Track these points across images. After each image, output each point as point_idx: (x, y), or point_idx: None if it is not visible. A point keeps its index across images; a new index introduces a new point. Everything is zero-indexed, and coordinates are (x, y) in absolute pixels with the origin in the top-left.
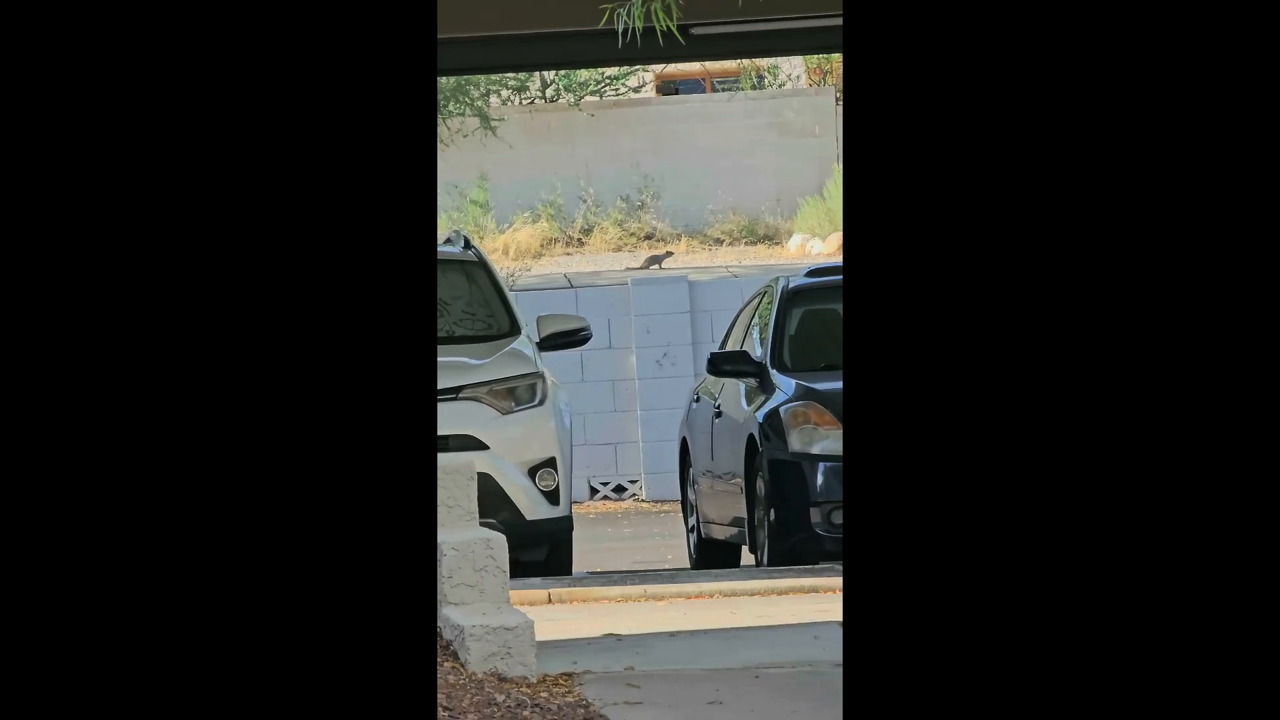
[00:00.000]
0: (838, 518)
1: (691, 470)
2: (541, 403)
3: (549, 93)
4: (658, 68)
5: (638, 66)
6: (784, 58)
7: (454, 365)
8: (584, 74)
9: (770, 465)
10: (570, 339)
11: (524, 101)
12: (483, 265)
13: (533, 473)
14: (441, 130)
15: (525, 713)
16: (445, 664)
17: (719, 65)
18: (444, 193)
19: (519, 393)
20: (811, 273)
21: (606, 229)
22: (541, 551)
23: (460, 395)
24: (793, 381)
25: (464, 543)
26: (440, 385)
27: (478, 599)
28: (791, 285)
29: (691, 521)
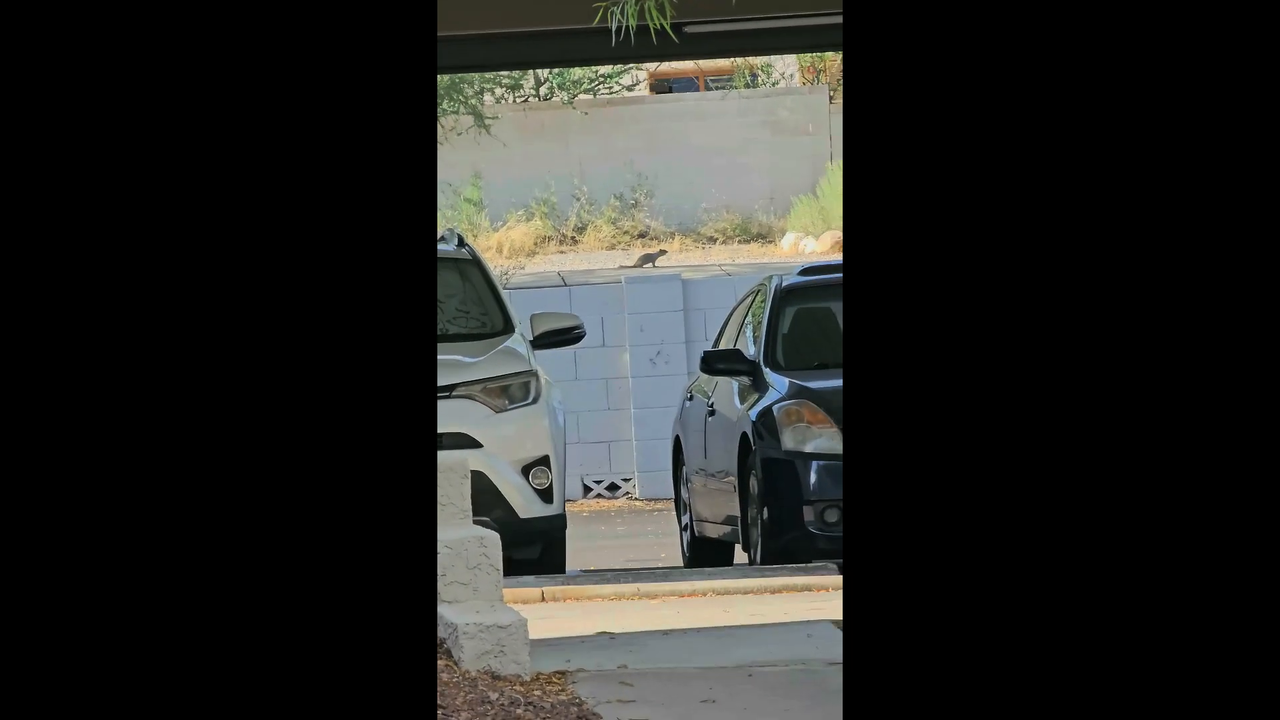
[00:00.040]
0: (831, 516)
1: (685, 468)
2: (535, 401)
3: (543, 91)
4: (651, 66)
5: (631, 65)
6: (777, 56)
7: (448, 363)
8: (578, 72)
9: (763, 464)
10: (564, 337)
11: (518, 100)
12: (476, 263)
13: (526, 471)
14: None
15: (519, 711)
16: (439, 662)
17: (712, 64)
18: (438, 191)
19: (512, 391)
20: (805, 271)
21: (600, 227)
22: (535, 550)
23: (454, 393)
24: (786, 380)
25: (458, 541)
26: None
27: (471, 597)
28: (785, 284)
29: (685, 520)
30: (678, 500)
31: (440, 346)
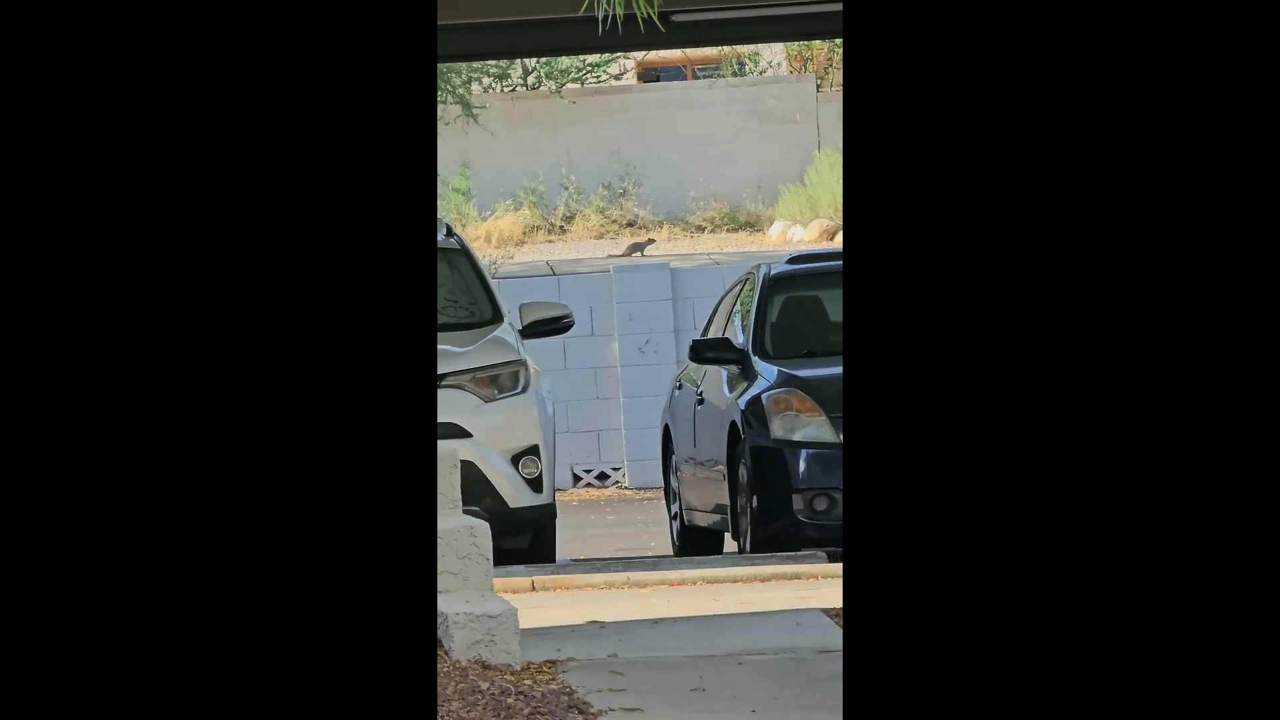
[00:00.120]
0: (820, 504)
1: (674, 457)
2: (524, 390)
3: (530, 80)
4: (639, 55)
5: (619, 54)
6: (765, 45)
7: (437, 353)
8: (565, 61)
9: (752, 452)
10: (552, 326)
11: (505, 89)
12: (465, 253)
13: (516, 460)
14: None
15: (509, 700)
16: None
17: (700, 52)
18: None
19: (502, 380)
20: (793, 260)
21: (588, 216)
22: (525, 539)
23: (443, 383)
24: (775, 368)
25: (448, 531)
26: None
27: (461, 587)
28: (773, 272)
29: (674, 509)
30: (667, 489)
31: None
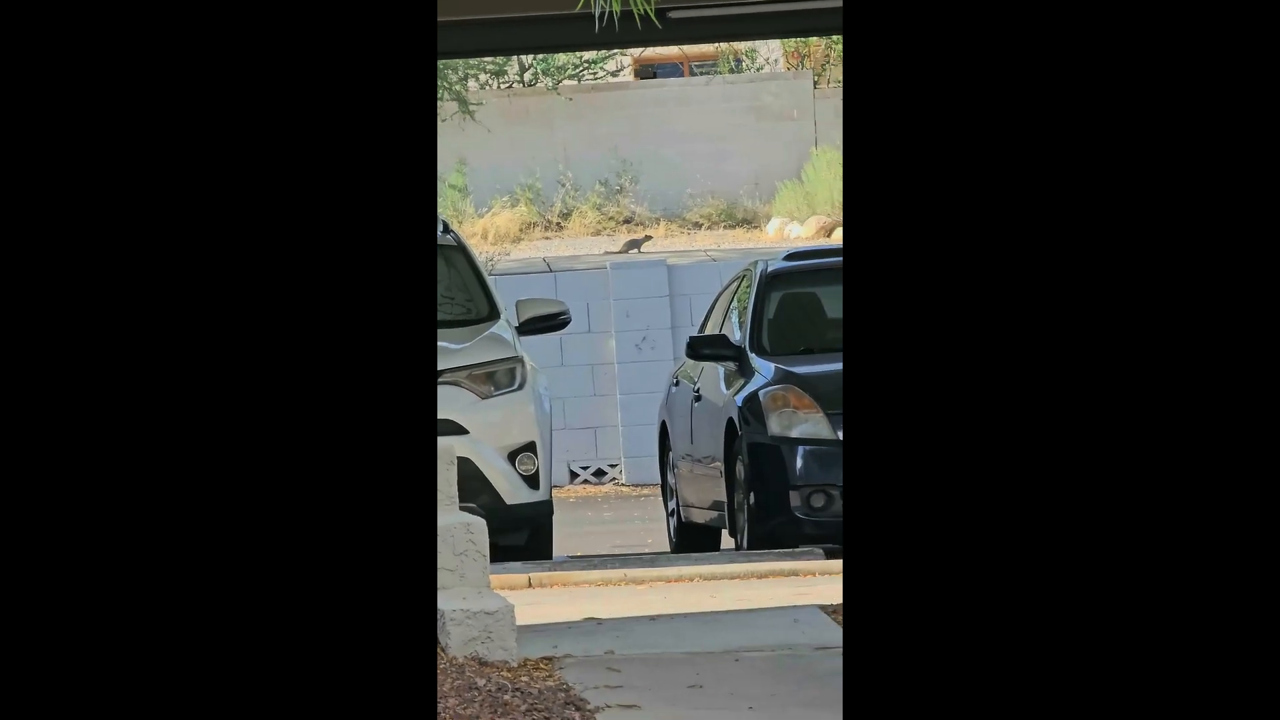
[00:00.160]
0: (817, 501)
1: (671, 454)
2: (521, 387)
3: (527, 77)
4: (635, 52)
5: (615, 50)
6: (762, 41)
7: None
8: (562, 58)
9: (749, 449)
10: (549, 323)
11: (502, 86)
12: (461, 250)
13: (512, 457)
14: None
15: (506, 697)
16: None
17: (697, 49)
18: None
19: (498, 377)
20: (790, 256)
21: (585, 213)
22: (521, 536)
23: (440, 380)
24: (772, 365)
25: (444, 527)
26: None
27: (458, 583)
28: (770, 269)
29: (671, 505)
30: (664, 486)
31: None
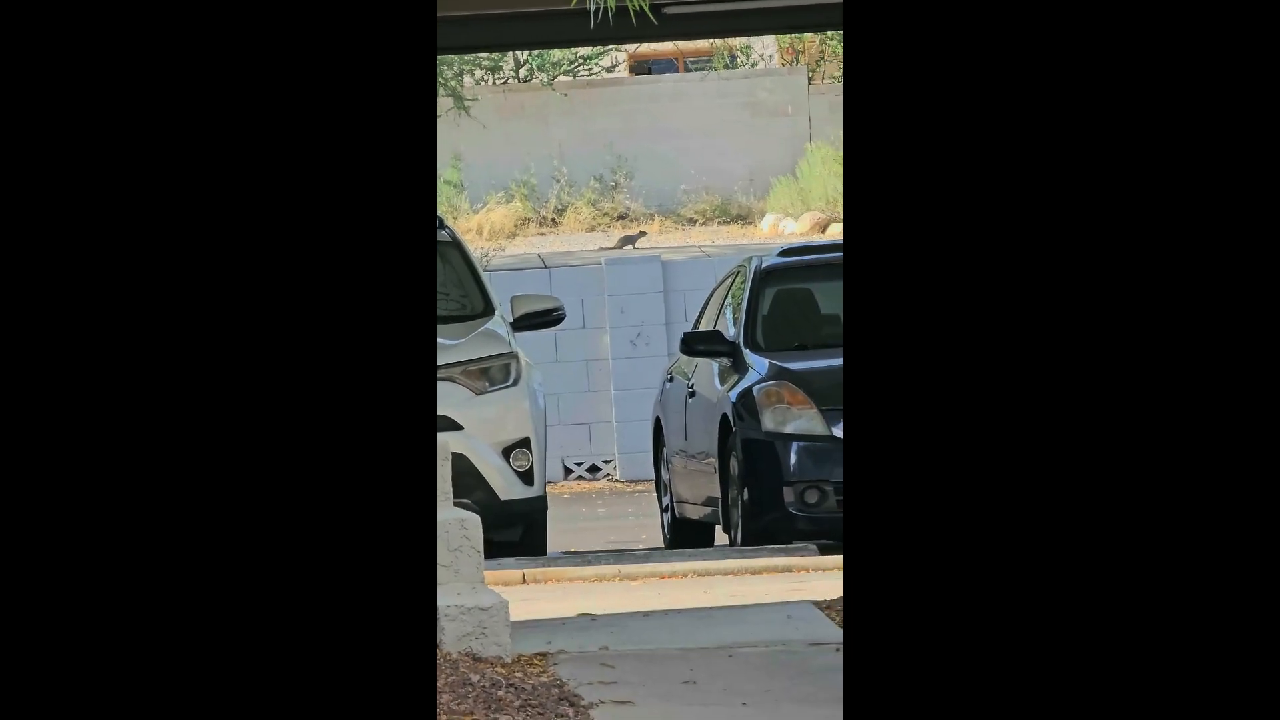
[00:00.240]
0: (811, 497)
1: (665, 450)
2: (515, 383)
3: (522, 73)
4: (630, 48)
5: (611, 47)
6: (757, 37)
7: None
8: (557, 54)
9: (744, 445)
10: (544, 319)
11: (497, 81)
12: (457, 245)
13: (507, 453)
14: None
15: (500, 693)
16: None
17: (691, 45)
18: None
19: (493, 373)
20: (784, 252)
21: (580, 209)
22: (516, 532)
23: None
24: (766, 361)
25: (439, 523)
26: None
27: (452, 579)
28: (764, 265)
29: (665, 501)
30: (658, 482)
31: None
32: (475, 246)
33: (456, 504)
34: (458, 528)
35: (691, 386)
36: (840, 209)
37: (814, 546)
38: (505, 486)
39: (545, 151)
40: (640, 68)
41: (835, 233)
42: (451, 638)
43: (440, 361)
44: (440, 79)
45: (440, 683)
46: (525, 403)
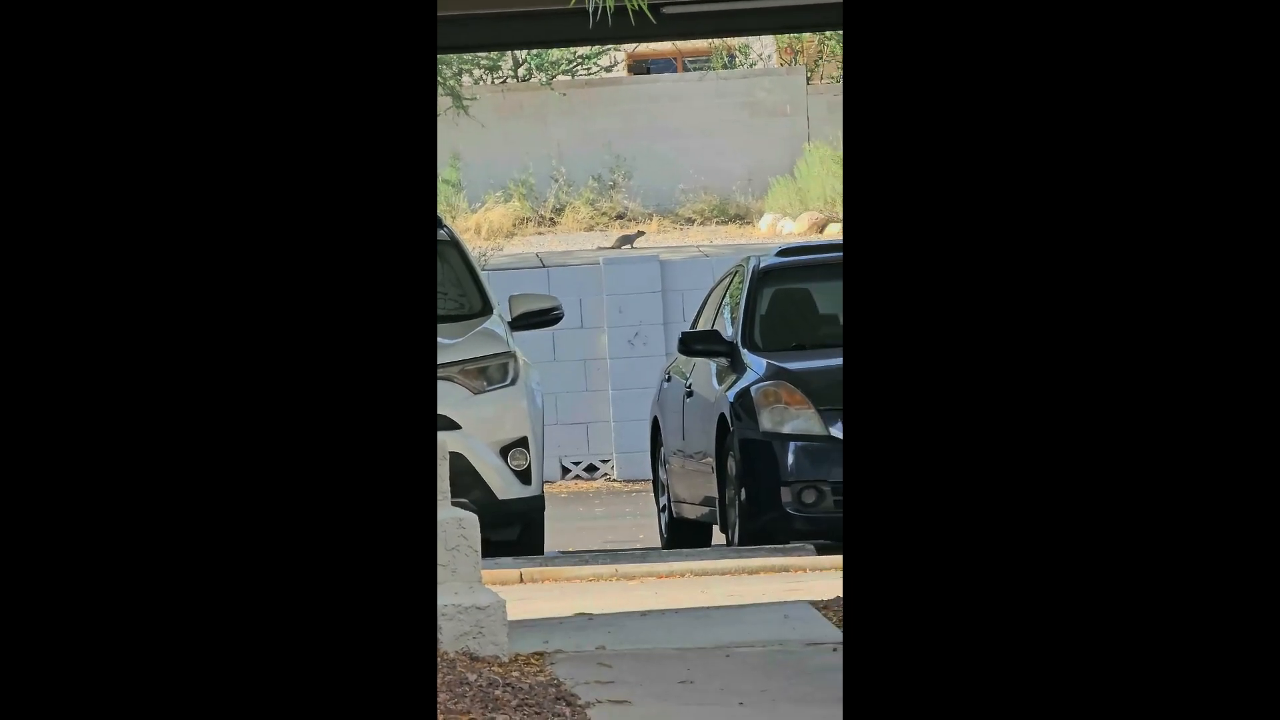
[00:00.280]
0: (808, 497)
1: (663, 450)
2: (513, 382)
3: (521, 72)
4: (629, 47)
5: (609, 46)
6: (755, 37)
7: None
8: (556, 53)
9: (741, 445)
10: (542, 318)
11: (496, 81)
12: (455, 245)
13: (505, 452)
14: None
15: (497, 692)
16: None
17: (690, 45)
18: None
19: (491, 372)
20: (782, 252)
21: (578, 208)
22: (513, 531)
23: None
24: (764, 361)
25: (437, 522)
26: None
27: (450, 578)
28: (763, 265)
29: (663, 501)
30: (656, 481)
31: None
32: (473, 246)
33: (454, 503)
34: (455, 527)
35: (689, 386)
36: (838, 209)
37: (811, 546)
38: (503, 486)
39: (543, 151)
40: (639, 67)
41: (833, 233)
42: (449, 637)
43: (439, 360)
44: (439, 78)
45: (437, 682)
46: (523, 402)
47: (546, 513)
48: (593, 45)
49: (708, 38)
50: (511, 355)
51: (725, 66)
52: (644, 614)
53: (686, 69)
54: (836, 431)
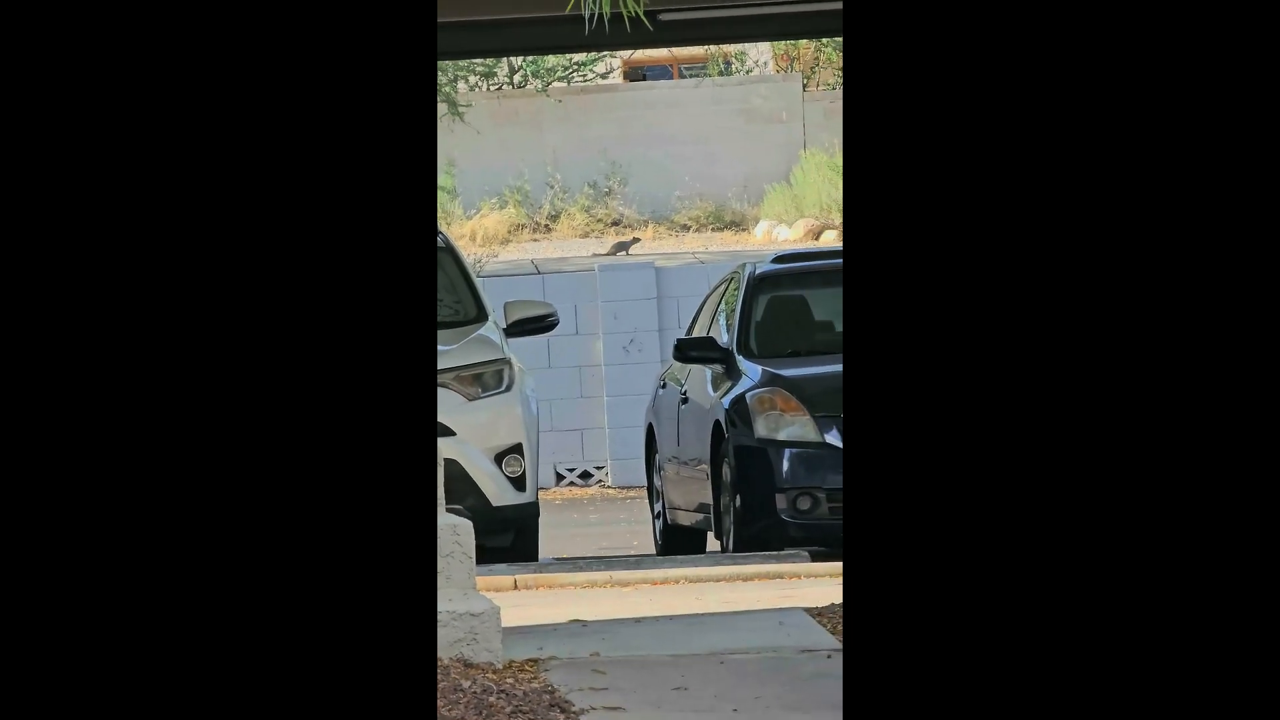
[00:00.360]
0: (803, 504)
1: (658, 456)
2: (508, 389)
3: (516, 79)
4: (625, 54)
5: (605, 53)
6: (751, 44)
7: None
8: (551, 60)
9: (736, 451)
10: (537, 325)
11: (491, 87)
12: (450, 251)
13: (499, 459)
14: None
15: (491, 699)
16: None
17: (686, 51)
18: None
19: (486, 379)
20: (778, 259)
21: (574, 215)
22: (508, 538)
23: None
24: (759, 368)
25: None
26: None
27: (444, 585)
28: (758, 271)
29: (657, 508)
30: (650, 488)
31: None
32: (469, 252)
33: (449, 510)
34: (450, 533)
35: (684, 393)
36: (834, 216)
37: (806, 553)
38: (497, 492)
39: (539, 158)
40: (635, 74)
41: (829, 239)
42: (443, 643)
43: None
44: None
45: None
46: (518, 409)
47: (541, 519)
48: (588, 52)
49: (704, 45)
50: (506, 362)
51: (721, 73)
52: (638, 621)
53: (682, 76)
54: (831, 438)
